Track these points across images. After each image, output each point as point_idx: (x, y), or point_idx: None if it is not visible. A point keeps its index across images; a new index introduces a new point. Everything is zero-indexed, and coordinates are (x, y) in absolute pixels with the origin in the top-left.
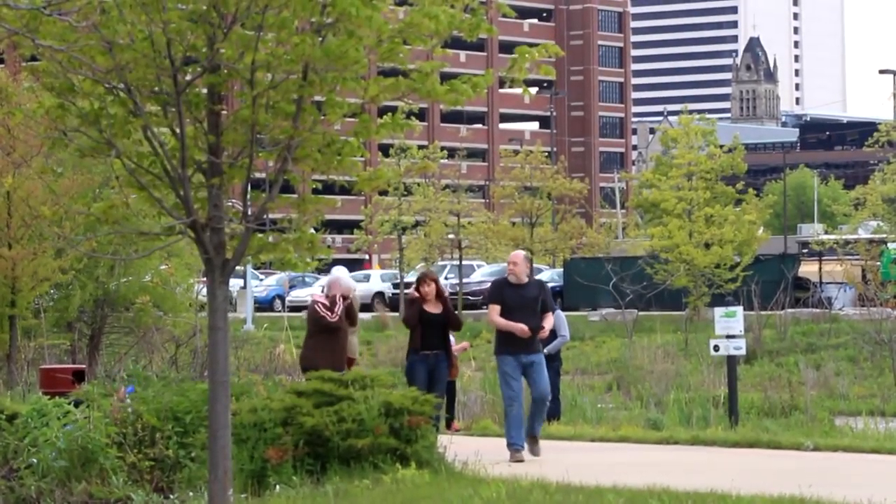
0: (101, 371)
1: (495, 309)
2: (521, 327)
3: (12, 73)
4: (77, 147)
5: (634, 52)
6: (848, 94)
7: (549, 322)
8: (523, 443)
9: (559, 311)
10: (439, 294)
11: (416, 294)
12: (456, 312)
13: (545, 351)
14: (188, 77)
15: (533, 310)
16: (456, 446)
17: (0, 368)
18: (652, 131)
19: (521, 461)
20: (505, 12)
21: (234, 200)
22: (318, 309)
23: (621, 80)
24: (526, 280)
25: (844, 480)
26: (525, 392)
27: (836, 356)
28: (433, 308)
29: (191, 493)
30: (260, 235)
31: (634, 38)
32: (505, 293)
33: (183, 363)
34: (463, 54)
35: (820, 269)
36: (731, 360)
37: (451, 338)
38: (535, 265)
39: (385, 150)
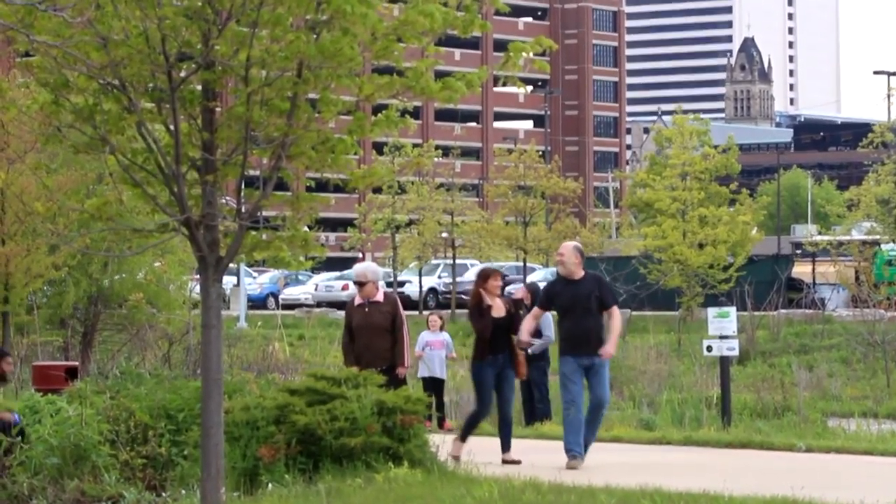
0: (94, 368)
1: (536, 312)
2: (525, 341)
3: (6, 68)
4: (71, 143)
5: (629, 52)
6: (842, 95)
7: (616, 318)
8: (581, 449)
9: (546, 313)
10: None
11: (481, 295)
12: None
13: (530, 351)
14: (183, 73)
15: (587, 308)
16: (448, 446)
17: None
18: (646, 131)
19: (576, 468)
20: (499, 7)
21: (228, 198)
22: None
23: (616, 79)
24: (581, 274)
25: (837, 482)
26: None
27: (829, 357)
28: (498, 311)
29: (183, 492)
30: (254, 233)
31: (629, 38)
32: (555, 292)
33: (176, 361)
34: (458, 52)
35: (813, 269)
36: (724, 361)
37: (447, 345)
38: (527, 264)
39: (379, 148)
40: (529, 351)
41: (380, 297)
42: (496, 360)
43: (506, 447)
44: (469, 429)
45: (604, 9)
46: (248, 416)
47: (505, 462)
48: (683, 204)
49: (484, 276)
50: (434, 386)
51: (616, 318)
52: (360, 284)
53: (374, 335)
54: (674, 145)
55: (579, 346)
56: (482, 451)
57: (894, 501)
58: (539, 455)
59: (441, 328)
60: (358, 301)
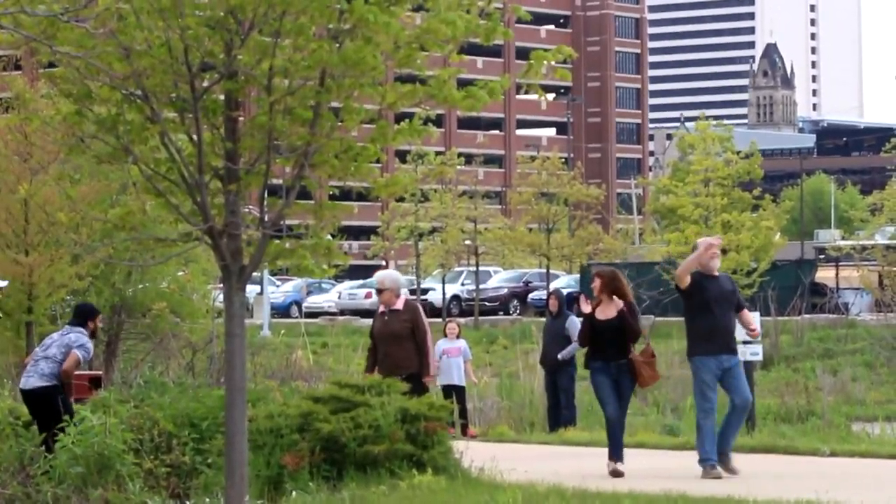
0: (117, 377)
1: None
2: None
3: (30, 79)
4: (94, 153)
5: (651, 59)
6: (865, 100)
7: (754, 319)
8: (717, 457)
9: (573, 317)
10: (619, 294)
11: (594, 299)
12: (636, 318)
13: (559, 356)
14: (205, 83)
15: (732, 304)
16: (472, 452)
17: (17, 374)
18: (669, 137)
19: (720, 477)
20: (521, 16)
21: (250, 207)
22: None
23: (638, 86)
24: (717, 273)
25: (861, 486)
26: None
27: (853, 362)
28: (606, 313)
29: (207, 500)
30: (277, 242)
31: (651, 45)
32: (705, 288)
33: (199, 369)
34: (480, 60)
35: (837, 274)
36: (748, 366)
37: (464, 352)
38: (551, 271)
39: (402, 156)
40: (559, 357)
41: (399, 304)
42: (607, 366)
43: (613, 456)
44: (610, 443)
45: (626, 16)
46: (272, 424)
47: (613, 474)
48: (706, 210)
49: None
50: (454, 393)
51: (748, 317)
52: (378, 292)
53: (391, 344)
54: (696, 151)
55: (723, 344)
56: (505, 457)
57: None
58: (563, 461)
59: (458, 335)
60: (381, 309)
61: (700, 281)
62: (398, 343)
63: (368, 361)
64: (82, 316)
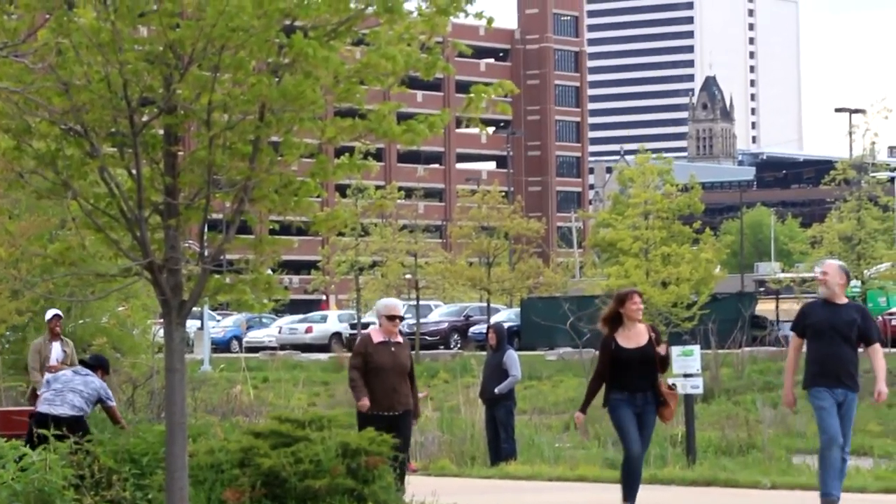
0: None
1: (795, 342)
2: (788, 399)
3: None
4: (33, 188)
5: (591, 92)
6: (804, 133)
7: (881, 356)
8: (840, 493)
9: (510, 351)
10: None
11: (608, 330)
12: (665, 347)
13: (496, 391)
14: (145, 118)
15: (846, 337)
16: (413, 487)
17: None
18: (609, 170)
19: None
20: (462, 50)
21: (190, 242)
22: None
23: (578, 119)
24: (844, 300)
25: None
26: None
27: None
28: (631, 341)
29: None
30: (217, 276)
31: (591, 78)
32: (812, 313)
33: (140, 405)
34: (420, 94)
35: (777, 307)
36: (689, 399)
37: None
38: (491, 305)
39: (342, 190)
40: (496, 390)
41: (399, 337)
42: (633, 398)
43: (626, 497)
44: (627, 483)
45: (565, 49)
46: (212, 459)
47: None
48: (646, 243)
49: (620, 300)
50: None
51: (881, 355)
52: (392, 319)
53: (401, 378)
54: (636, 185)
55: (833, 377)
56: (447, 491)
57: None
58: (504, 495)
59: None
60: (380, 338)
61: (814, 310)
62: (404, 378)
63: (362, 390)
64: (97, 364)
